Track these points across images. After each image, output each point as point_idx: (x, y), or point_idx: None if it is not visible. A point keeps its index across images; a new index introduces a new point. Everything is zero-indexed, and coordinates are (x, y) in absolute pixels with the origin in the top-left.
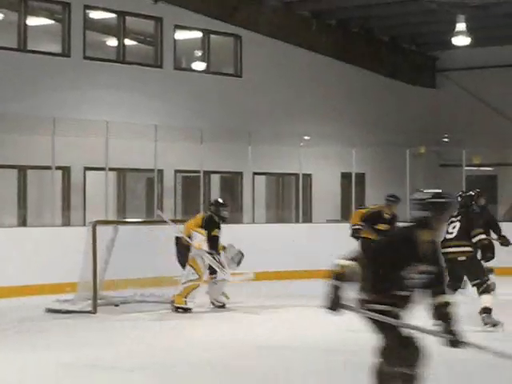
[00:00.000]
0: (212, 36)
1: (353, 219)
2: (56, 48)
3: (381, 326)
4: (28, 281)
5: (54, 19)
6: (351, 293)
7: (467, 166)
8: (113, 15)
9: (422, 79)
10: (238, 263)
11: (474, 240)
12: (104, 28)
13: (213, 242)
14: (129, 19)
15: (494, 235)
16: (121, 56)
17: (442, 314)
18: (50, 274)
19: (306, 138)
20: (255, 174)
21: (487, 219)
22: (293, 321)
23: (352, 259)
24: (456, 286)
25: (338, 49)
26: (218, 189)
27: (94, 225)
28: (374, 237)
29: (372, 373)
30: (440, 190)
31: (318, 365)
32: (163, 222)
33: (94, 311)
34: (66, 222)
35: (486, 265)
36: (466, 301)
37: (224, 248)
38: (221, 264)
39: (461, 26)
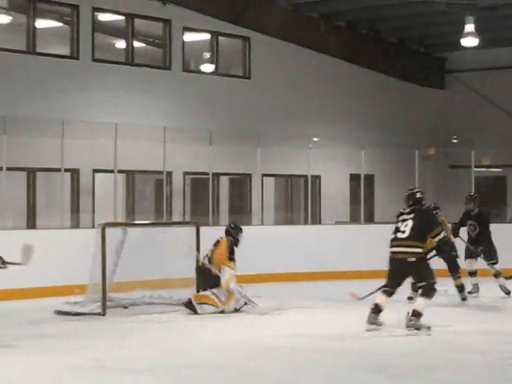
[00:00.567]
0: (220, 38)
1: None
2: (65, 50)
3: None
4: (37, 283)
5: (62, 22)
6: None
7: (476, 167)
8: (121, 17)
9: (431, 80)
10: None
11: (437, 239)
12: (113, 30)
13: None
14: (137, 21)
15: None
16: (129, 58)
17: None
18: (60, 276)
19: (314, 139)
20: (264, 175)
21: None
22: (302, 322)
23: None
24: (395, 285)
25: (347, 50)
26: (226, 191)
27: (103, 227)
28: None
29: None
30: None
31: (327, 366)
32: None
33: (103, 313)
34: (75, 225)
35: (495, 268)
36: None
37: None
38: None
39: (469, 28)
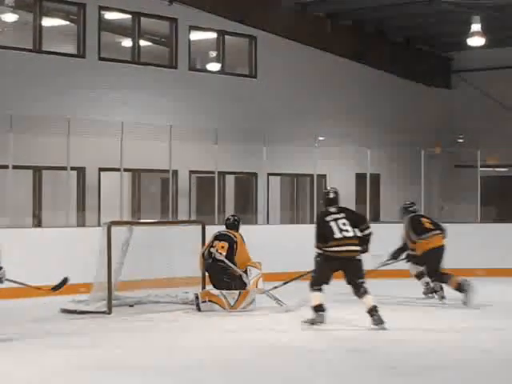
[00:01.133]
0: (227, 37)
1: None
2: (71, 49)
3: None
4: (43, 281)
5: (69, 20)
6: None
7: (482, 166)
8: (128, 16)
9: (437, 80)
10: None
11: (367, 232)
12: (119, 29)
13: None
14: (144, 20)
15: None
16: (136, 57)
17: None
18: (65, 275)
19: (320, 138)
20: (270, 174)
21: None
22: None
23: None
24: (328, 281)
25: (353, 50)
26: (232, 189)
27: (109, 225)
28: None
29: None
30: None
31: (334, 365)
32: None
33: (108, 312)
34: (81, 223)
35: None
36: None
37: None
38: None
39: (476, 27)
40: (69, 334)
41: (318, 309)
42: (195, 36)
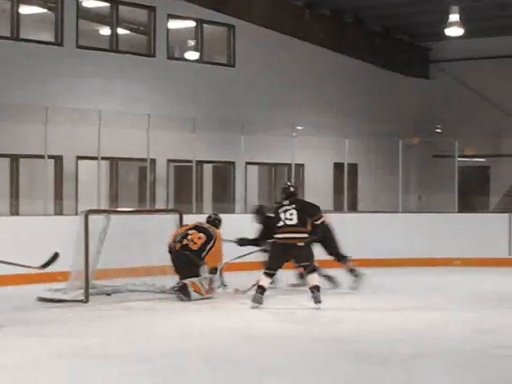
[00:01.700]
0: (205, 25)
1: None
2: (49, 37)
3: None
4: (19, 270)
5: (46, 8)
6: None
7: (460, 156)
8: (106, 4)
9: (415, 70)
10: None
11: (319, 221)
12: (97, 17)
13: None
14: (122, 8)
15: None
16: (114, 45)
17: None
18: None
19: (298, 127)
20: (248, 163)
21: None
22: (286, 310)
23: None
24: (278, 268)
25: (331, 39)
26: (210, 178)
27: (87, 214)
28: None
29: None
30: None
31: (309, 354)
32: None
33: (85, 300)
34: (59, 211)
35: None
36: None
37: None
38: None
39: (454, 17)
40: (46, 323)
41: (259, 290)
42: (173, 24)
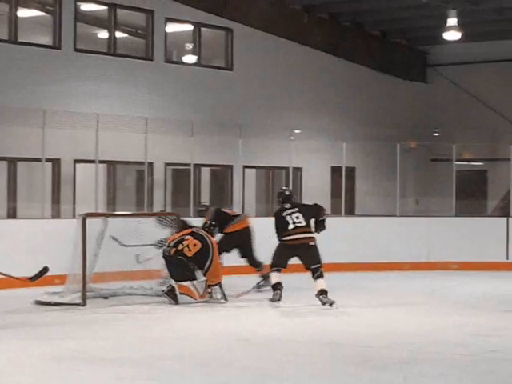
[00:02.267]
0: (203, 29)
1: None
2: (47, 40)
3: None
4: (17, 273)
5: (45, 11)
6: None
7: (457, 160)
8: (104, 7)
9: (413, 74)
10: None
11: (321, 218)
12: (95, 20)
13: None
14: (120, 11)
15: None
16: (112, 48)
17: None
18: (40, 266)
19: (296, 131)
20: (245, 167)
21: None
22: (284, 314)
23: None
24: (286, 264)
25: (329, 43)
26: (208, 182)
27: (84, 217)
28: None
29: None
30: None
31: (307, 358)
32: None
33: (83, 304)
34: (56, 215)
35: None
36: None
37: None
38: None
39: (452, 21)
40: (43, 326)
41: (276, 287)
42: (171, 28)
